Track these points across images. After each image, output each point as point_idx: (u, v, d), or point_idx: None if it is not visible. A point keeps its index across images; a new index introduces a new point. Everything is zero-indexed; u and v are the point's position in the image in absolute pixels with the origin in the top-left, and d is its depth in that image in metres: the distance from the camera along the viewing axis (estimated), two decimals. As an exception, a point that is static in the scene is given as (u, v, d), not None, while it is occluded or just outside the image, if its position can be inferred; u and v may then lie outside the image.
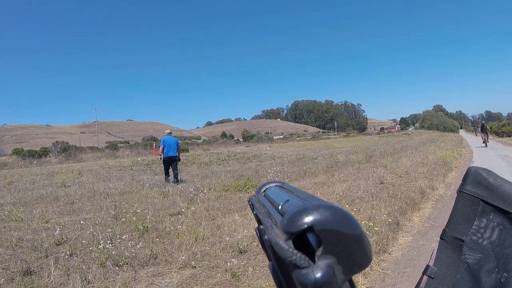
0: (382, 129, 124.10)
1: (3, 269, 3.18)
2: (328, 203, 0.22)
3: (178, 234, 3.96)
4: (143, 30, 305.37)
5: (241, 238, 3.70)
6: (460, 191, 0.53)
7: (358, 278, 2.71)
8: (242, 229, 4.11)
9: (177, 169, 8.76)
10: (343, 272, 0.20)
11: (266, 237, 0.23)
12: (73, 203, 6.51)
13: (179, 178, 8.82)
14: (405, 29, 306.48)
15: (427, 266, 0.52)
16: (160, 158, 8.98)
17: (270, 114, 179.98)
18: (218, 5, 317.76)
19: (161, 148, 8.72)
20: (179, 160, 8.86)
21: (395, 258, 3.29)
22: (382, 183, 6.49)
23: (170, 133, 9.10)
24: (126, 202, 5.98)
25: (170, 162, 8.71)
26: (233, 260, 3.11)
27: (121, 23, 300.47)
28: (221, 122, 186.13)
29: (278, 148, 25.40)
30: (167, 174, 8.87)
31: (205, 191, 6.66)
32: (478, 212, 0.51)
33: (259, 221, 0.28)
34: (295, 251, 0.20)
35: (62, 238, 4.01)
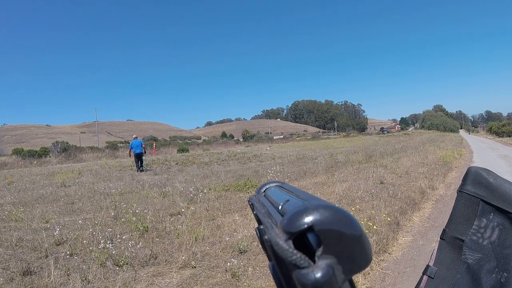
0: (382, 129, 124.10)
1: (3, 269, 3.18)
2: (328, 203, 0.22)
3: (178, 234, 3.96)
4: (143, 30, 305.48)
5: (241, 238, 3.70)
6: (460, 191, 0.53)
7: (358, 278, 2.71)
8: (242, 229, 4.11)
9: (142, 161, 12.87)
10: (343, 272, 0.20)
11: (266, 237, 0.23)
12: (73, 203, 6.51)
13: (143, 167, 12.94)
14: (405, 29, 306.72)
15: (427, 266, 0.52)
16: (130, 156, 13.59)
17: (270, 114, 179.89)
18: (218, 5, 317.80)
19: (130, 150, 13.06)
20: (145, 153, 13.16)
21: (395, 258, 3.29)
22: (382, 183, 6.49)
23: (136, 137, 13.40)
24: (126, 202, 5.98)
25: (138, 157, 12.70)
26: (233, 260, 3.11)
27: (121, 23, 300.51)
28: (221, 122, 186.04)
29: (278, 148, 25.40)
30: (137, 165, 12.77)
31: (205, 191, 6.66)
32: (478, 212, 0.51)
33: (259, 221, 0.28)
34: (295, 251, 0.20)
35: (62, 238, 4.01)
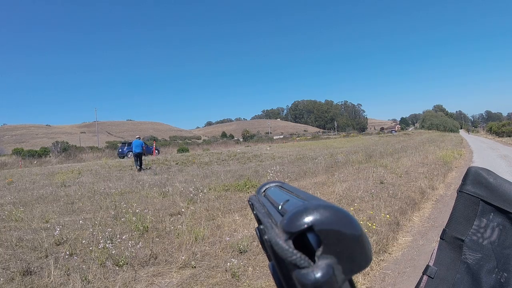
0: (382, 129, 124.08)
1: (3, 269, 3.18)
2: (328, 203, 0.22)
3: (178, 234, 3.96)
4: (143, 30, 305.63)
5: (241, 238, 3.70)
6: (460, 191, 0.53)
7: (358, 278, 2.71)
8: (242, 229, 4.11)
9: (141, 160, 13.43)
10: (343, 272, 0.20)
11: (266, 237, 0.23)
12: (73, 203, 6.51)
13: (142, 166, 13.55)
14: (405, 29, 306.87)
15: (427, 266, 0.52)
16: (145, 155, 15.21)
17: (270, 114, 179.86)
18: (218, 5, 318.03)
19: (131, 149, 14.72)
20: (144, 154, 14.16)
21: (395, 258, 3.28)
22: (382, 183, 6.49)
23: (138, 137, 14.14)
24: (126, 202, 5.98)
25: (137, 156, 13.35)
26: (233, 260, 3.11)
27: (121, 23, 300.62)
28: (221, 122, 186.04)
29: (278, 148, 25.40)
30: (137, 165, 13.35)
31: (205, 191, 6.66)
32: (478, 212, 0.51)
33: (259, 221, 0.28)
34: (295, 251, 0.20)
35: (62, 238, 4.01)
